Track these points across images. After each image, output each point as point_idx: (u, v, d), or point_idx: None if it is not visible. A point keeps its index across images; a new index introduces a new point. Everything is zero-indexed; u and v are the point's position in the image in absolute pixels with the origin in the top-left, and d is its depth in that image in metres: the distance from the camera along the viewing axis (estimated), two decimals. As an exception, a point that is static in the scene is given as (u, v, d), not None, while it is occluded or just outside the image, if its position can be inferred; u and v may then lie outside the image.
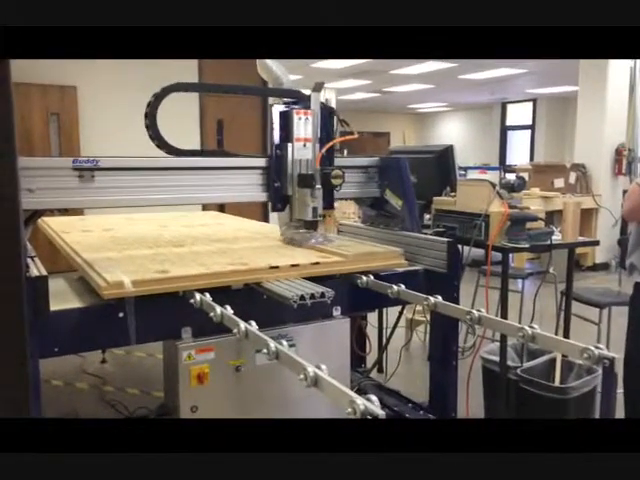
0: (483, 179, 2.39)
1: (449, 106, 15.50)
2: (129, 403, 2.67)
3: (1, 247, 1.05)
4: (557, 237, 2.57)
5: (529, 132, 13.58)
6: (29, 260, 1.78)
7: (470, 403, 2.41)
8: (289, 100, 2.30)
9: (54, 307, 1.65)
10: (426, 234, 2.53)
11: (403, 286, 1.84)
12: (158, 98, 2.12)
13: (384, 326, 2.87)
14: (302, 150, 2.22)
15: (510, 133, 14.32)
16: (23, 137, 5.42)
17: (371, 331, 2.89)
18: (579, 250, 4.95)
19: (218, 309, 1.55)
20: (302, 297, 1.71)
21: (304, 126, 2.22)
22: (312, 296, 1.73)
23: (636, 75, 6.32)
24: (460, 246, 2.30)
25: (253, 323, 1.40)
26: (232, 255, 2.11)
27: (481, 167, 10.24)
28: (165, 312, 1.80)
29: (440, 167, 2.68)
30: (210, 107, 5.88)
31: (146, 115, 2.14)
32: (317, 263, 2.01)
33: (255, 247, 2.32)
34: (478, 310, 1.52)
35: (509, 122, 14.28)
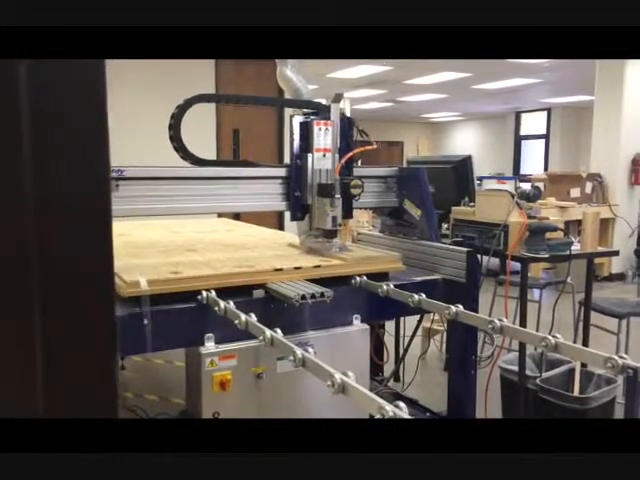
0: (502, 189, 2.41)
1: (462, 115, 15.51)
2: (149, 409, 2.70)
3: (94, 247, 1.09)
4: (576, 247, 2.57)
5: (543, 141, 13.54)
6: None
7: (488, 413, 2.41)
8: (309, 111, 2.33)
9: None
10: (445, 244, 2.55)
11: (424, 295, 1.86)
12: (181, 109, 2.16)
13: (401, 335, 2.88)
14: (322, 160, 2.26)
15: (524, 142, 14.29)
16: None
17: (388, 340, 2.90)
18: (595, 260, 4.92)
19: (243, 317, 1.57)
20: (303, 297, 1.79)
21: (324, 136, 2.25)
22: (312, 296, 1.81)
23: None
24: (479, 256, 2.32)
25: (279, 331, 1.42)
26: (240, 259, 2.18)
27: (496, 177, 10.22)
28: (188, 319, 1.84)
29: (458, 177, 2.69)
30: (226, 116, 5.95)
31: (170, 127, 2.18)
32: (318, 266, 2.08)
33: (261, 252, 2.39)
34: (499, 319, 1.53)
35: (523, 131, 14.25)
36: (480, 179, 11.29)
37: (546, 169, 12.96)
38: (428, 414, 2.43)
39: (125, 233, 2.95)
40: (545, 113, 13.32)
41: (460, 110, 14.31)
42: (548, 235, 2.34)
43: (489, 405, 2.43)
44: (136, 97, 5.79)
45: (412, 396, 2.77)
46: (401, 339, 2.88)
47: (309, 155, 2.24)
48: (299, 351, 1.27)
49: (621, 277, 6.27)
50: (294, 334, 1.97)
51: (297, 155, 2.27)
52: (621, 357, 1.22)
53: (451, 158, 2.77)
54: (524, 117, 14.14)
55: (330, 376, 1.14)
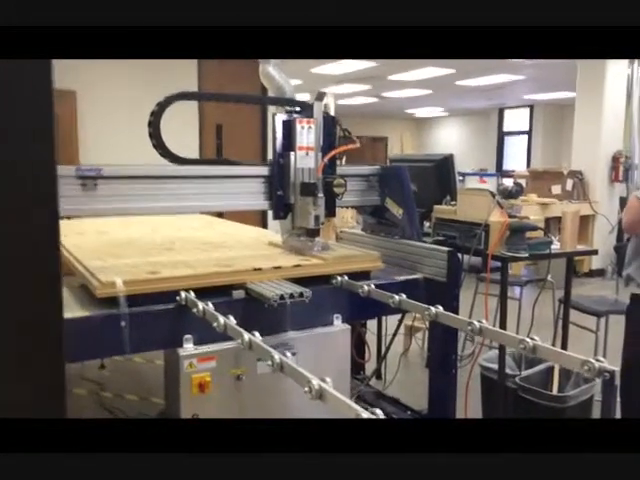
0: (483, 189, 2.41)
1: (446, 111, 15.56)
2: (128, 409, 2.68)
3: (43, 249, 1.06)
4: (555, 246, 2.59)
5: (526, 137, 13.64)
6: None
7: (468, 411, 2.42)
8: (291, 109, 2.31)
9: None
10: (426, 242, 2.55)
11: (404, 296, 1.86)
12: (161, 107, 2.13)
13: (383, 333, 2.88)
14: (304, 159, 2.24)
15: (507, 138, 14.38)
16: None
17: (370, 338, 2.90)
18: (576, 256, 4.97)
19: (221, 319, 1.55)
20: (282, 297, 1.79)
21: (306, 135, 2.24)
22: (291, 296, 1.80)
23: (633, 82, 6.36)
24: (460, 255, 2.32)
25: (257, 334, 1.40)
26: (218, 258, 2.17)
27: (479, 174, 10.28)
28: (167, 320, 1.82)
29: (440, 176, 2.69)
30: (209, 111, 5.90)
31: (150, 124, 2.15)
32: (298, 265, 2.08)
33: (240, 251, 2.38)
34: (479, 321, 1.53)
35: (506, 128, 14.34)
36: (463, 175, 11.34)
37: (528, 165, 13.05)
38: (409, 412, 2.44)
39: (105, 230, 2.92)
40: (528, 110, 13.42)
41: (444, 106, 14.35)
42: (528, 234, 2.35)
43: (469, 403, 2.45)
44: (118, 95, 5.72)
45: (394, 394, 2.78)
46: (383, 337, 2.88)
47: (292, 154, 2.22)
48: (277, 355, 1.26)
49: (601, 273, 6.35)
50: (274, 334, 1.97)
51: (280, 153, 2.25)
52: (598, 360, 1.23)
53: (433, 157, 2.78)
54: (507, 113, 14.22)
55: (308, 382, 1.13)
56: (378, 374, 3.05)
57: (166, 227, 3.07)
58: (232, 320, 1.56)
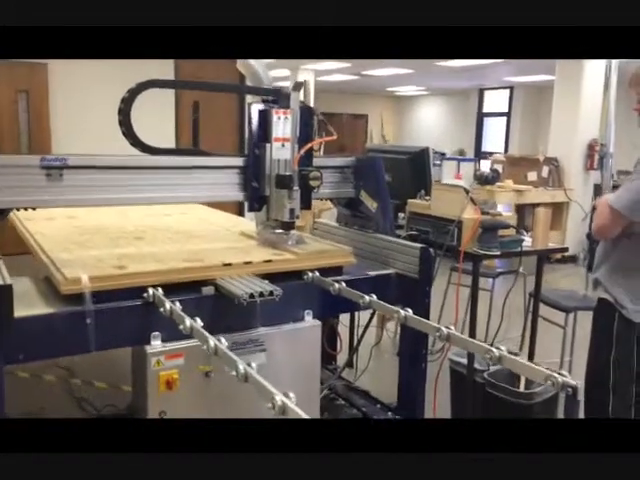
0: (457, 185, 2.40)
1: (427, 90, 15.48)
2: (97, 398, 2.65)
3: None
4: (527, 242, 2.60)
5: (505, 119, 13.66)
6: (-7, 263, 1.74)
7: (437, 405, 2.45)
8: (268, 98, 2.26)
9: (18, 313, 1.62)
10: (399, 236, 2.54)
11: (375, 296, 1.85)
12: (132, 94, 2.07)
13: (355, 324, 2.89)
14: (280, 150, 2.20)
15: (486, 120, 14.38)
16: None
17: (342, 329, 2.91)
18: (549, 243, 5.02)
19: (188, 322, 1.53)
20: (252, 295, 1.76)
21: (283, 126, 2.19)
22: (261, 294, 1.78)
23: (611, 70, 6.38)
24: (432, 250, 2.32)
25: (223, 340, 1.38)
26: (189, 251, 2.14)
27: (457, 158, 10.27)
28: (134, 317, 1.79)
29: (415, 169, 2.68)
30: (185, 93, 5.75)
31: (120, 111, 2.08)
32: (269, 261, 2.06)
33: (212, 242, 2.34)
34: (447, 327, 1.53)
35: (486, 109, 14.33)
36: (442, 155, 11.30)
37: (506, 147, 13.11)
38: (378, 406, 2.46)
39: (74, 215, 2.85)
40: (508, 91, 13.41)
41: (425, 85, 14.26)
42: (501, 232, 2.36)
43: (438, 397, 2.47)
44: (93, 69, 5.52)
45: (365, 384, 2.80)
46: (355, 329, 2.89)
47: (267, 145, 2.18)
48: (241, 366, 1.24)
49: (573, 259, 6.44)
50: (245, 330, 1.95)
51: (255, 144, 2.21)
52: (561, 374, 1.24)
53: (409, 149, 2.75)
54: (487, 94, 14.19)
55: (271, 398, 1.11)
56: (350, 364, 3.06)
57: (138, 211, 3.00)
58: (199, 322, 1.54)
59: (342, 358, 2.90)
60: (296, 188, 2.14)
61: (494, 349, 1.38)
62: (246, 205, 2.32)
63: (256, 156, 2.20)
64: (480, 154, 14.08)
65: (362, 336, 2.58)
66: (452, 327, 1.53)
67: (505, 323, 3.02)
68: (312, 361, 2.12)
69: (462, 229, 2.34)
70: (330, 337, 2.78)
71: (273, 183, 2.18)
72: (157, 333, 1.81)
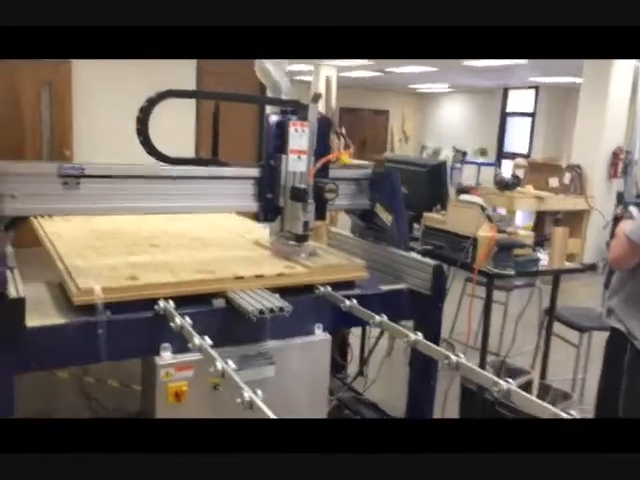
0: (474, 202, 2.38)
1: (450, 88, 15.33)
2: (108, 398, 2.68)
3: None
4: (543, 259, 2.56)
5: (530, 120, 13.48)
6: (8, 273, 1.76)
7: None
8: (287, 108, 2.26)
9: (32, 322, 1.64)
10: (414, 249, 2.53)
11: (385, 317, 1.84)
12: (150, 104, 2.08)
13: (367, 335, 2.88)
14: (296, 162, 2.19)
15: (510, 119, 14.21)
16: (12, 106, 5.32)
17: (353, 339, 2.90)
18: (568, 250, 4.96)
19: (197, 340, 1.54)
20: (261, 311, 1.76)
21: (299, 138, 2.19)
22: (271, 310, 1.78)
23: (639, 74, 6.25)
24: (447, 266, 2.30)
25: (230, 363, 1.39)
26: (202, 260, 2.14)
27: (478, 162, 10.15)
28: (145, 329, 1.80)
29: (432, 181, 2.65)
30: (208, 87, 5.77)
31: (138, 120, 2.10)
32: (281, 274, 2.05)
33: (226, 251, 2.34)
34: (456, 355, 1.52)
35: (510, 108, 14.15)
36: (464, 155, 11.12)
37: (530, 148, 12.94)
38: (386, 418, 2.45)
39: (92, 217, 2.88)
40: (533, 91, 13.22)
41: (448, 82, 14.12)
42: (516, 251, 2.33)
43: (447, 413, 2.46)
44: (117, 66, 5.56)
45: (374, 394, 2.80)
46: (366, 340, 2.88)
47: (283, 157, 2.18)
48: (247, 394, 1.25)
49: (592, 268, 6.35)
50: (254, 343, 1.96)
51: (271, 155, 2.21)
52: (569, 413, 1.22)
53: (426, 161, 2.73)
54: (512, 94, 14.01)
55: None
56: (360, 372, 3.06)
57: (153, 217, 3.01)
58: (208, 341, 1.54)
59: (353, 367, 2.90)
60: (311, 201, 2.14)
61: (502, 382, 1.37)
62: (259, 215, 2.32)
63: (272, 167, 2.20)
64: (502, 154, 13.94)
65: (373, 348, 2.57)
66: (462, 355, 1.52)
67: (519, 335, 2.99)
68: (321, 374, 2.12)
69: (477, 246, 2.31)
70: (341, 347, 2.78)
71: (288, 195, 2.18)
72: (167, 345, 1.82)
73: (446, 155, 15.39)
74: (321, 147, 2.23)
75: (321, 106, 2.78)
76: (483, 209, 2.33)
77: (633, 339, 1.90)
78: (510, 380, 1.37)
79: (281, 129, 2.19)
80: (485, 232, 2.31)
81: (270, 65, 2.30)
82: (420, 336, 1.68)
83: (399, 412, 2.48)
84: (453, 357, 1.51)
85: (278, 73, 2.32)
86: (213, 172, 2.19)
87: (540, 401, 1.31)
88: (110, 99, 5.58)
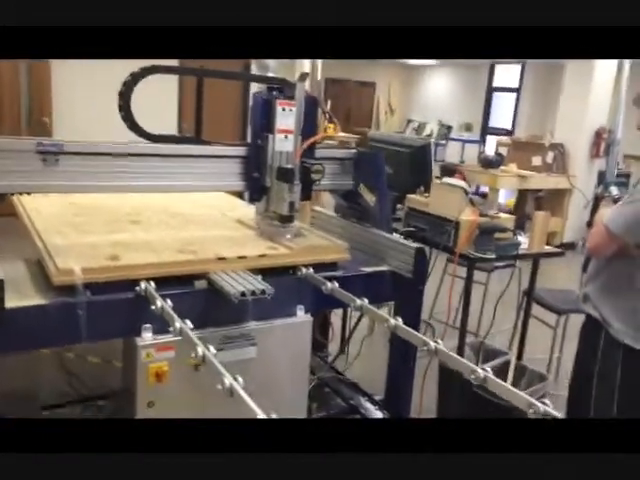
0: (457, 185, 2.38)
1: (437, 61, 15.22)
2: (88, 374, 2.68)
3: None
4: (524, 244, 2.58)
5: (514, 95, 13.46)
6: (-13, 252, 1.73)
7: (424, 401, 2.48)
8: (273, 85, 2.22)
9: (11, 303, 1.63)
10: (397, 230, 2.53)
11: (366, 300, 1.85)
12: (135, 78, 2.03)
13: (348, 314, 2.91)
14: (283, 142, 2.17)
15: (496, 95, 14.18)
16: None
17: (335, 318, 2.92)
18: (549, 229, 5.01)
19: (178, 324, 1.54)
20: (243, 294, 1.77)
21: (286, 117, 2.16)
22: (253, 293, 1.79)
23: (625, 54, 6.25)
24: (428, 249, 2.32)
25: (212, 348, 1.39)
26: (183, 239, 2.13)
27: (462, 139, 10.12)
28: (125, 310, 1.80)
29: (416, 163, 2.64)
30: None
31: (120, 94, 2.05)
32: (264, 255, 2.05)
33: (208, 230, 2.33)
34: (435, 341, 1.54)
35: (496, 83, 14.11)
36: (448, 128, 11.03)
37: (514, 123, 12.96)
38: (366, 398, 2.49)
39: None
40: (519, 66, 13.18)
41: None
42: (497, 235, 2.35)
43: (426, 393, 2.50)
44: (98, 74, 5.39)
45: (355, 371, 2.84)
46: (348, 319, 2.91)
47: (270, 136, 2.15)
48: (228, 380, 1.25)
49: (572, 246, 6.44)
50: (236, 325, 1.96)
51: (258, 134, 2.18)
52: (544, 403, 1.25)
53: (411, 142, 2.71)
54: (498, 69, 13.95)
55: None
56: (342, 349, 3.09)
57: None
58: (189, 324, 1.54)
59: (334, 346, 2.93)
60: (297, 182, 2.13)
61: (480, 370, 1.39)
62: (246, 195, 2.30)
63: (258, 146, 2.18)
64: (487, 129, 13.95)
65: (354, 328, 2.60)
66: (440, 342, 1.54)
67: (498, 314, 3.03)
68: (302, 355, 2.13)
69: (459, 230, 2.32)
70: (323, 326, 2.80)
71: (274, 174, 2.16)
72: (148, 325, 1.82)
73: (431, 129, 15.36)
74: (308, 127, 2.20)
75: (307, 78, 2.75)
76: (466, 193, 2.34)
77: (607, 326, 1.94)
78: (487, 368, 1.39)
79: (268, 108, 2.16)
80: (467, 216, 2.33)
81: None
82: (400, 321, 1.69)
83: (379, 391, 2.52)
84: (432, 343, 1.53)
85: None
86: (199, 150, 2.16)
87: (516, 390, 1.33)
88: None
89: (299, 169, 2.13)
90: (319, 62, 10.21)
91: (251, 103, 2.22)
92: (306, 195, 2.24)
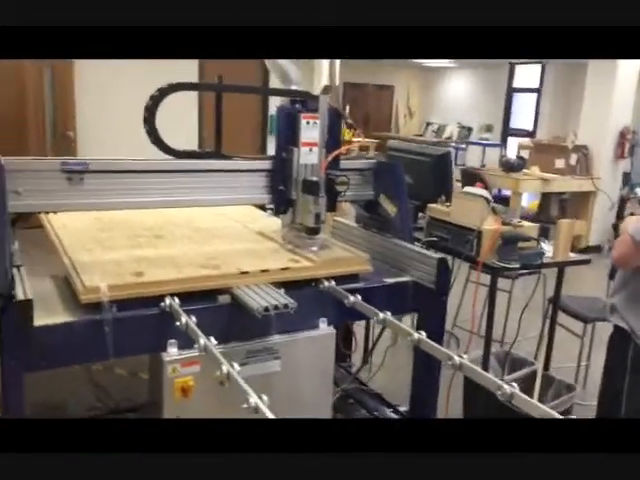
0: (478, 194, 2.36)
1: (456, 62, 15.12)
2: (115, 386, 2.71)
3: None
4: (548, 252, 2.54)
5: (535, 95, 13.32)
6: (14, 271, 1.77)
7: (450, 412, 2.46)
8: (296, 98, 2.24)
9: (39, 321, 1.66)
10: (419, 240, 2.52)
11: (389, 314, 1.84)
12: (161, 95, 2.05)
13: (371, 325, 2.90)
14: (308, 155, 2.18)
15: (516, 95, 14.04)
16: (16, 87, 5.29)
17: (357, 328, 2.92)
18: (574, 232, 4.93)
19: (202, 341, 1.55)
20: (266, 309, 1.78)
21: (311, 130, 2.18)
22: (276, 307, 1.80)
23: (649, 53, 6.14)
24: (451, 258, 2.30)
25: (236, 366, 1.40)
26: (206, 254, 2.14)
27: (483, 143, 10.03)
28: (151, 326, 1.82)
29: (437, 172, 2.63)
30: (210, 66, 5.70)
31: (146, 109, 2.07)
32: (286, 268, 2.06)
33: (230, 243, 2.34)
34: (459, 356, 1.53)
35: (516, 84, 13.97)
36: (469, 130, 10.88)
37: (536, 124, 12.81)
38: (390, 409, 2.48)
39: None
40: (539, 67, 13.04)
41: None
42: (521, 244, 2.32)
43: (451, 405, 2.48)
44: (117, 69, 5.47)
45: (379, 381, 2.83)
46: (371, 329, 2.90)
47: (295, 149, 2.17)
48: (252, 399, 1.26)
49: (598, 249, 6.34)
50: (259, 338, 1.97)
51: (282, 148, 2.19)
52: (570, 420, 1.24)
53: (431, 151, 2.70)
54: (518, 69, 13.82)
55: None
56: (364, 359, 3.08)
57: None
58: (213, 342, 1.56)
59: (357, 356, 2.92)
60: (322, 195, 2.14)
61: (506, 386, 1.38)
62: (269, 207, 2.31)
63: (283, 160, 2.19)
64: (508, 130, 13.81)
65: (378, 338, 2.59)
66: (465, 356, 1.53)
67: (523, 322, 2.99)
68: (326, 368, 2.14)
69: (481, 239, 2.31)
70: (346, 336, 2.80)
71: (300, 187, 2.18)
72: (173, 341, 1.84)
73: (451, 131, 15.26)
74: (332, 139, 2.22)
75: (324, 82, 2.75)
76: (488, 202, 2.32)
77: (636, 337, 1.91)
78: (514, 384, 1.38)
79: (292, 121, 2.18)
80: (490, 225, 2.30)
81: None
82: (424, 335, 1.69)
83: (403, 401, 2.51)
84: (456, 358, 1.52)
85: (288, 64, 2.31)
86: (224, 165, 2.18)
87: (543, 407, 1.31)
88: (112, 80, 5.53)
89: (324, 181, 2.14)
90: (337, 67, 10.20)
91: (271, 114, 2.23)
92: (331, 206, 2.26)
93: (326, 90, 2.19)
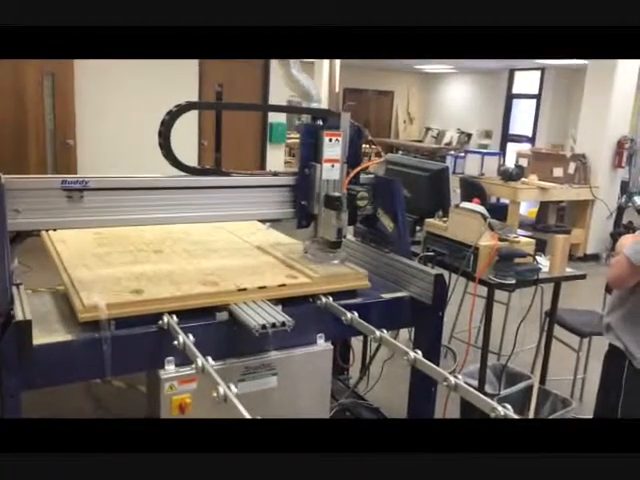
0: (475, 210, 2.38)
1: (456, 68, 15.15)
2: (114, 400, 2.72)
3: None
4: (544, 266, 2.56)
5: (534, 101, 13.35)
6: (14, 290, 1.78)
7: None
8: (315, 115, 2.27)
9: (38, 340, 1.67)
10: (417, 254, 2.54)
11: (385, 331, 1.86)
12: (173, 117, 2.04)
13: (369, 338, 2.90)
14: (330, 171, 2.22)
15: (515, 101, 14.07)
16: (16, 96, 5.32)
17: (355, 342, 2.93)
18: (572, 240, 4.93)
19: (200, 361, 1.56)
20: (264, 326, 1.80)
21: (333, 147, 2.21)
22: (273, 325, 1.82)
23: (647, 60, 6.15)
24: (448, 273, 2.32)
25: (233, 387, 1.42)
26: (205, 270, 2.16)
27: (481, 152, 10.05)
28: (149, 343, 1.83)
29: (434, 187, 2.65)
30: (210, 72, 5.73)
31: (160, 133, 2.07)
32: (284, 285, 2.08)
33: (228, 258, 2.36)
34: (455, 376, 1.54)
35: (516, 90, 14.01)
36: (468, 136, 10.83)
37: (535, 130, 12.84)
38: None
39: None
40: (539, 72, 13.07)
41: (453, 63, 13.95)
42: (518, 260, 2.33)
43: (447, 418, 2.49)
44: (117, 64, 5.49)
45: (376, 394, 2.84)
46: (369, 343, 2.91)
47: (317, 165, 2.20)
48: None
49: (595, 258, 6.35)
50: (257, 355, 1.99)
51: (305, 164, 2.23)
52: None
53: (429, 165, 2.72)
54: (518, 75, 13.86)
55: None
56: (362, 376, 3.09)
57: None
58: (210, 362, 1.57)
59: (355, 369, 2.93)
60: (345, 210, 2.17)
61: (500, 408, 1.39)
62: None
63: (305, 175, 2.23)
64: (507, 136, 13.83)
65: (375, 353, 2.60)
66: (460, 377, 1.55)
67: (520, 333, 3.00)
68: (323, 383, 2.15)
69: (478, 255, 2.32)
70: (343, 350, 2.81)
71: (322, 202, 2.22)
72: (171, 358, 1.85)
73: (450, 137, 15.30)
74: (352, 155, 2.27)
75: (324, 88, 2.78)
76: (484, 218, 2.33)
77: (631, 357, 1.92)
78: (507, 405, 1.39)
79: (314, 138, 2.21)
80: (486, 241, 2.32)
81: (297, 73, 2.31)
82: (419, 354, 1.70)
83: (401, 414, 2.51)
84: (452, 379, 1.53)
85: (307, 81, 2.34)
86: (248, 182, 2.23)
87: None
88: (113, 88, 5.56)
89: (345, 196, 2.17)
90: (337, 68, 10.24)
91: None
92: (352, 221, 2.31)
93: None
